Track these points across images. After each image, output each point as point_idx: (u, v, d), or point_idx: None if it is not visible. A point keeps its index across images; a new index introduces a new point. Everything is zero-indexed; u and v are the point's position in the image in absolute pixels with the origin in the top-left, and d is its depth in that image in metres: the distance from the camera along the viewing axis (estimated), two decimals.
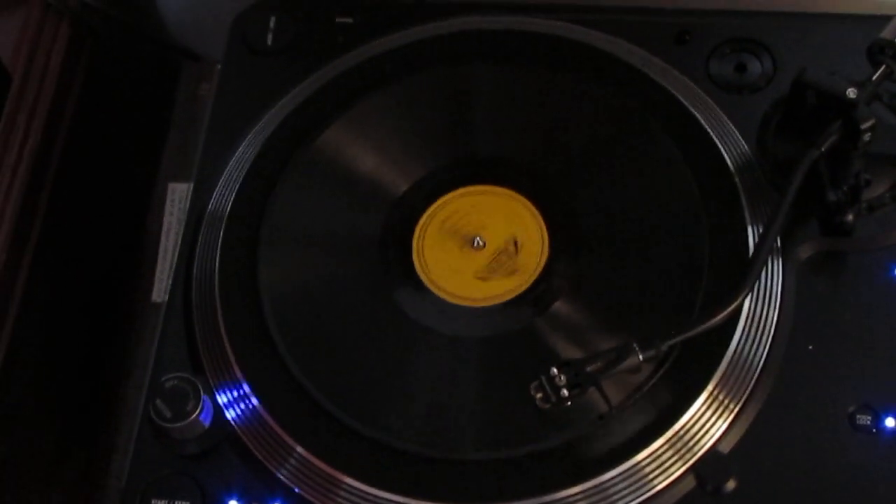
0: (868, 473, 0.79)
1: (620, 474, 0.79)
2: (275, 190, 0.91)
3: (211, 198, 0.92)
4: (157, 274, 1.03)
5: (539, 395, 0.78)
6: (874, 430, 0.80)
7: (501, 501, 0.79)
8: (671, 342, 0.79)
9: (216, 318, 0.86)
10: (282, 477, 0.82)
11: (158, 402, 0.82)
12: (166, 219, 1.06)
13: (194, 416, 0.82)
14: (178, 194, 1.06)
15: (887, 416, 0.80)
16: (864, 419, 0.80)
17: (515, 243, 0.89)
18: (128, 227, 1.08)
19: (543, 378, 0.78)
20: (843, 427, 0.80)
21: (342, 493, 0.81)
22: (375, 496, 0.80)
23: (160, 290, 1.00)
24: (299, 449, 0.82)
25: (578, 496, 0.79)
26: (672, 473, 0.79)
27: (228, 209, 0.91)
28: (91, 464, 0.99)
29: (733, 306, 0.79)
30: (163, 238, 1.05)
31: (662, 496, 0.79)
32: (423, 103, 0.95)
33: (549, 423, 0.80)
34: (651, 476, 0.79)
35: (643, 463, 0.79)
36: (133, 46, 1.13)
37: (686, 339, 0.79)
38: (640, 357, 0.78)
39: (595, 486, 0.79)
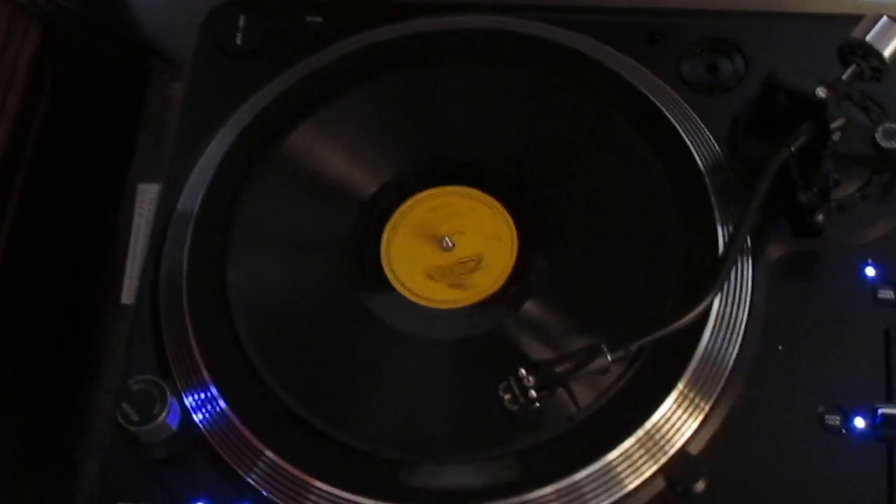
0: (837, 474, 0.79)
1: (592, 474, 0.79)
2: (243, 191, 0.90)
3: (179, 199, 0.92)
4: (127, 275, 1.03)
5: (507, 397, 0.78)
6: (843, 431, 0.80)
7: (473, 503, 0.78)
8: (640, 343, 0.79)
9: (184, 320, 0.86)
10: (251, 481, 0.81)
11: (125, 405, 0.81)
12: (135, 220, 1.05)
13: (161, 419, 0.81)
14: (148, 195, 1.05)
15: (856, 416, 0.80)
16: (834, 419, 0.80)
17: (479, 261, 0.89)
18: (97, 229, 1.07)
19: (512, 379, 0.78)
20: (813, 427, 0.80)
21: (312, 496, 0.80)
22: (346, 500, 0.80)
23: (129, 292, 1.00)
24: (268, 453, 0.81)
25: (551, 496, 0.78)
26: (643, 473, 0.79)
27: (197, 210, 0.90)
28: (61, 468, 0.99)
29: (702, 306, 0.79)
30: (132, 239, 1.04)
31: (634, 496, 0.79)
32: (392, 104, 0.94)
33: (520, 424, 0.80)
34: (623, 476, 0.79)
35: (615, 462, 0.79)
36: (104, 47, 1.12)
37: (656, 340, 0.79)
38: (609, 358, 0.78)
39: (568, 487, 0.78)
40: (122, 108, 1.11)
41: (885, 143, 0.83)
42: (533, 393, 0.77)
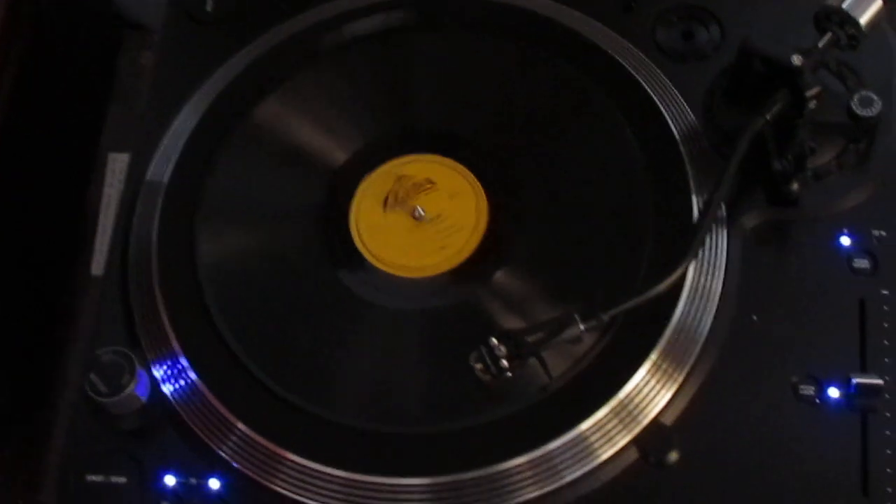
0: (811, 444, 0.78)
1: (565, 444, 0.78)
2: (214, 161, 0.90)
3: (149, 169, 0.91)
4: (97, 246, 1.02)
5: (479, 366, 0.77)
6: (817, 401, 0.79)
7: (447, 474, 0.78)
8: (613, 312, 0.78)
9: (153, 290, 0.85)
10: (222, 453, 0.81)
11: (93, 376, 0.80)
12: (106, 190, 1.05)
13: (129, 390, 0.80)
14: (119, 165, 1.05)
15: (830, 386, 0.80)
16: (808, 390, 0.80)
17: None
18: (69, 199, 1.06)
19: (483, 349, 0.77)
20: (787, 398, 0.80)
21: (285, 469, 0.80)
22: (319, 472, 0.79)
23: (100, 263, 0.99)
24: (240, 425, 0.81)
25: (524, 466, 0.78)
26: (617, 443, 0.79)
27: (166, 180, 0.89)
28: (31, 440, 0.98)
29: (676, 275, 0.79)
30: (103, 209, 1.04)
31: (607, 466, 0.79)
32: (362, 73, 0.93)
33: (492, 394, 0.79)
34: (596, 446, 0.78)
35: (588, 433, 0.78)
36: (74, 15, 1.11)
37: (629, 309, 0.79)
38: (582, 327, 0.77)
39: (541, 457, 0.78)
40: (93, 78, 1.10)
41: (860, 112, 0.83)
42: (504, 362, 0.77)
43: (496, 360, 0.77)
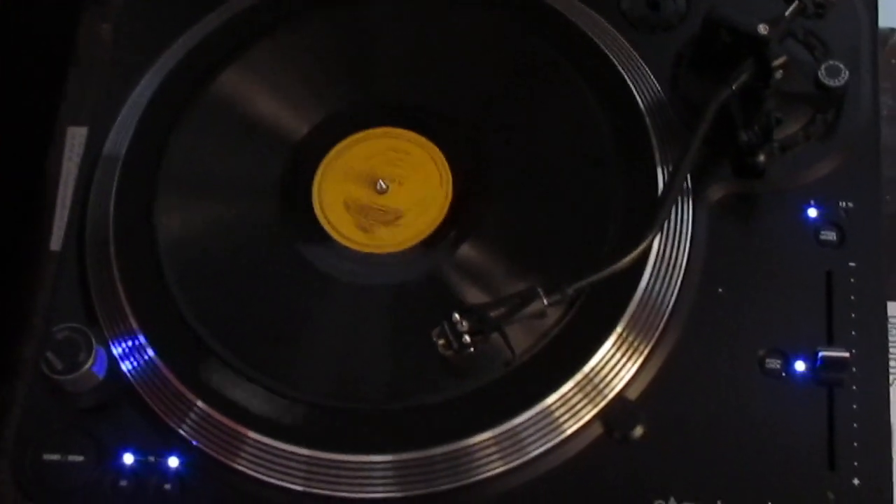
0: (777, 418, 0.78)
1: (531, 419, 0.78)
2: (172, 134, 0.88)
3: (106, 142, 0.90)
4: (56, 221, 1.01)
5: (441, 342, 0.77)
6: (783, 375, 0.79)
7: (412, 450, 0.78)
8: (577, 286, 0.78)
9: (110, 266, 0.84)
10: (182, 432, 0.80)
11: (49, 353, 0.79)
12: (65, 164, 1.03)
13: (86, 367, 0.79)
14: (79, 139, 1.03)
15: (797, 360, 0.79)
16: (774, 363, 0.79)
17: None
18: (27, 173, 1.04)
19: (445, 324, 0.77)
20: (753, 371, 0.79)
21: (246, 447, 0.79)
22: (281, 450, 0.79)
23: (59, 238, 0.97)
24: (200, 403, 0.80)
25: (489, 442, 0.78)
26: (582, 417, 0.78)
27: (123, 153, 0.88)
28: None
29: (641, 248, 0.78)
30: (62, 184, 1.02)
31: (572, 441, 0.78)
32: (323, 44, 0.92)
33: (456, 370, 0.79)
34: (561, 420, 0.78)
35: (553, 407, 0.78)
36: None
37: (593, 283, 0.78)
38: (546, 302, 0.77)
39: (506, 432, 0.78)
40: (52, 50, 1.08)
41: (828, 82, 0.83)
42: (467, 338, 0.76)
43: (459, 335, 0.76)
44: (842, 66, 0.82)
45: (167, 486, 0.79)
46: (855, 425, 0.77)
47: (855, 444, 0.77)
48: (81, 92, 1.07)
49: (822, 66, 0.82)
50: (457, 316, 0.76)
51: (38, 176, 1.05)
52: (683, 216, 0.83)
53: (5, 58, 1.04)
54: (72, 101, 1.07)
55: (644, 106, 0.86)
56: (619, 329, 0.79)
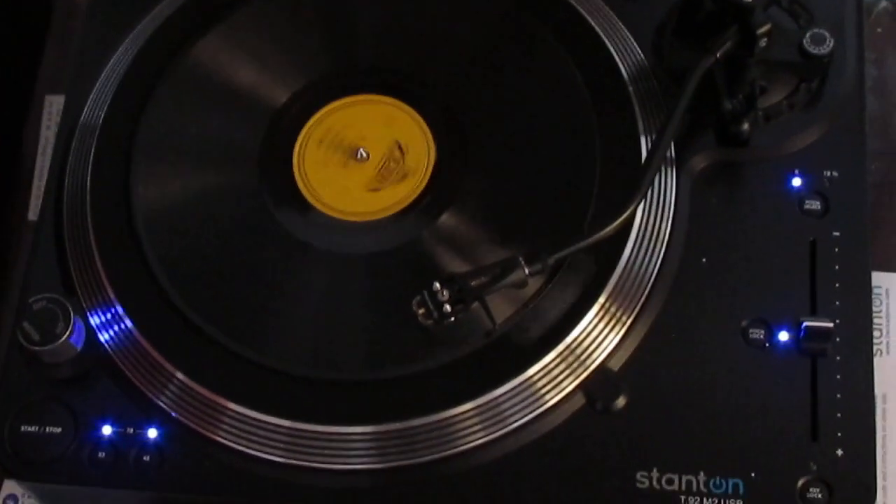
0: (761, 389, 0.78)
1: (512, 389, 0.77)
2: (149, 102, 0.88)
3: (83, 110, 0.89)
4: (34, 191, 1.00)
5: (421, 311, 0.76)
6: (767, 345, 0.79)
7: (392, 421, 0.77)
8: (558, 255, 0.77)
9: (87, 236, 0.83)
10: (161, 403, 0.79)
11: (26, 324, 0.78)
12: (43, 133, 1.03)
13: (64, 338, 0.79)
14: (56, 107, 1.03)
15: (780, 330, 0.79)
16: (758, 333, 0.79)
17: (399, 147, 0.86)
18: (4, 142, 1.03)
19: (426, 293, 0.76)
20: (736, 342, 0.79)
21: (225, 418, 0.78)
22: (261, 421, 0.78)
23: (37, 208, 0.96)
24: (179, 375, 0.79)
25: (471, 412, 0.77)
26: (564, 388, 0.78)
27: (101, 121, 0.87)
28: None
29: (623, 217, 0.78)
30: (39, 153, 1.02)
31: (554, 412, 0.78)
32: (303, 9, 0.91)
33: (437, 340, 0.78)
34: (543, 391, 0.78)
35: (535, 378, 0.77)
36: None
37: (575, 252, 0.78)
38: (526, 271, 0.76)
39: (487, 403, 0.77)
40: (28, 17, 1.07)
41: (812, 50, 0.82)
42: (447, 307, 0.76)
43: (439, 305, 0.76)
44: (827, 34, 0.82)
45: (146, 458, 0.79)
46: (838, 396, 0.77)
47: (838, 414, 0.77)
48: (58, 60, 1.06)
49: (807, 34, 0.82)
50: (437, 285, 0.76)
51: (16, 145, 1.04)
52: (667, 185, 0.82)
53: None
54: (48, 69, 1.06)
55: (627, 74, 0.85)
56: (601, 299, 0.79)
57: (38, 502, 0.88)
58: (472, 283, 0.76)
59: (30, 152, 1.03)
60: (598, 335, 0.78)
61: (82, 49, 0.92)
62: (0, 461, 0.80)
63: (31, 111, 1.04)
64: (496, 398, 0.77)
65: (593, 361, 0.78)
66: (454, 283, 0.76)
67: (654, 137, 0.82)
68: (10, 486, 0.90)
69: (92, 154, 0.86)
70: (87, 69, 0.91)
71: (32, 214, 0.99)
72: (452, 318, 0.76)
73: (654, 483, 0.76)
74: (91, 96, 0.89)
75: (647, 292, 0.80)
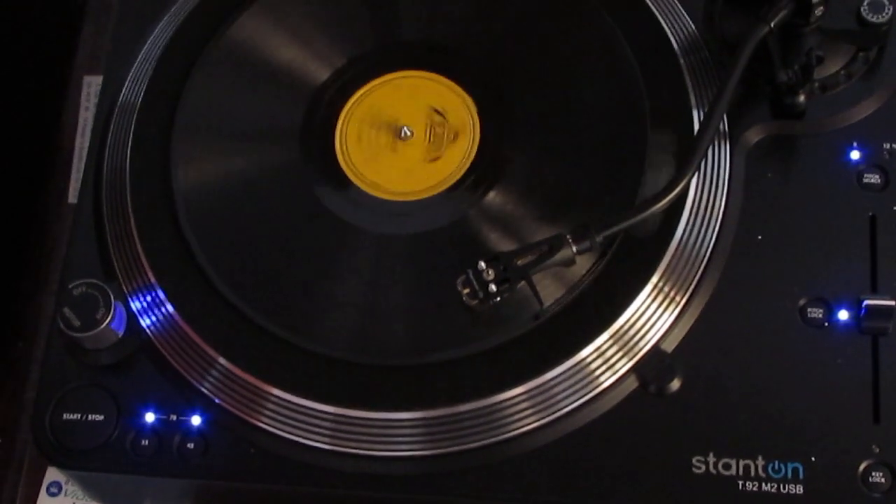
0: (820, 370, 0.76)
1: (563, 373, 0.76)
2: (188, 81, 0.87)
3: (122, 90, 0.88)
4: (73, 173, 1.00)
5: (466, 291, 0.75)
6: (826, 324, 0.77)
7: (440, 406, 0.76)
8: (607, 233, 0.76)
9: (128, 219, 0.83)
10: (203, 389, 0.79)
11: (66, 310, 0.78)
12: (82, 114, 1.03)
13: (105, 324, 0.78)
14: (94, 88, 1.03)
15: (840, 308, 0.77)
16: (816, 312, 0.77)
17: (436, 111, 0.86)
18: (43, 124, 1.03)
19: (471, 272, 0.75)
20: (794, 321, 0.78)
21: (269, 404, 0.78)
22: (306, 407, 0.77)
23: (76, 192, 0.97)
24: (222, 360, 0.79)
25: (521, 397, 0.76)
26: (617, 371, 0.77)
27: (139, 102, 0.87)
28: (8, 376, 0.96)
29: (675, 192, 0.76)
30: (78, 135, 1.02)
31: (607, 395, 0.77)
32: None
33: (486, 322, 0.77)
34: (595, 374, 0.77)
35: (587, 360, 0.76)
36: None
37: (625, 229, 0.76)
38: (574, 249, 0.75)
39: (539, 386, 0.76)
40: None
41: (871, 17, 0.81)
42: (493, 287, 0.75)
43: (484, 284, 0.75)
44: (886, 0, 0.80)
45: (190, 445, 0.78)
46: None
47: None
48: (97, 40, 1.05)
49: (865, 1, 0.80)
50: (482, 264, 0.75)
51: (55, 127, 1.03)
52: (720, 160, 0.81)
53: (18, 5, 1.02)
54: (85, 49, 1.06)
55: (677, 45, 0.84)
56: (654, 279, 0.77)
57: (82, 489, 0.88)
58: (518, 262, 0.75)
59: (69, 134, 1.03)
60: (652, 316, 0.77)
61: (119, 28, 0.92)
62: (43, 450, 0.80)
63: (70, 93, 1.04)
64: (547, 382, 0.76)
65: (646, 343, 0.77)
66: (499, 262, 0.75)
67: (706, 110, 0.81)
68: (54, 474, 0.91)
69: (131, 135, 0.86)
70: (125, 48, 0.90)
71: (73, 197, 0.99)
72: (498, 298, 0.75)
73: (711, 468, 0.75)
74: (129, 76, 0.89)
75: (701, 271, 0.79)
